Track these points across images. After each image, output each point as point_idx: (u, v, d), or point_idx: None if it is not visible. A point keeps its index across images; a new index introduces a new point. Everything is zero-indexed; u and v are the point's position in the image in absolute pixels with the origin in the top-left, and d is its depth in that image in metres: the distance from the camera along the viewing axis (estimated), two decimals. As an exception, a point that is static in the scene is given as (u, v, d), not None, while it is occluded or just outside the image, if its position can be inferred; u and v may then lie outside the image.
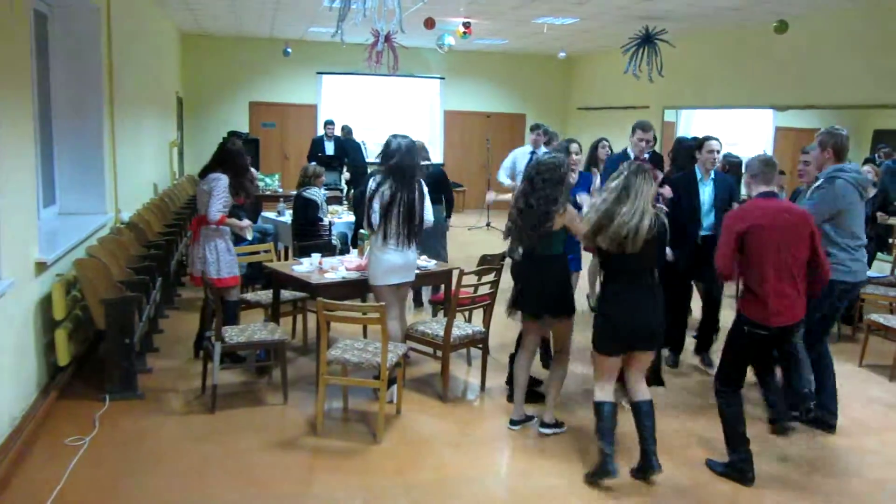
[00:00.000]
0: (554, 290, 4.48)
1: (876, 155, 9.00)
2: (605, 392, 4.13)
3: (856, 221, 4.67)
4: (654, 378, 5.23)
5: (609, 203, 3.97)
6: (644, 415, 4.08)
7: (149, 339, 5.88)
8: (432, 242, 7.32)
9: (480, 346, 5.47)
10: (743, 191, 4.74)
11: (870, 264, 7.25)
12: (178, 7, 10.99)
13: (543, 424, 4.65)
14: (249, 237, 5.97)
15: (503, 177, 8.38)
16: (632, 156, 6.29)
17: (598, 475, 4.01)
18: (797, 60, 9.92)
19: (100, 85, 6.47)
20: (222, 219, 5.39)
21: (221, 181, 5.40)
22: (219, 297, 5.01)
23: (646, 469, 4.04)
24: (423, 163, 7.32)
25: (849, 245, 4.64)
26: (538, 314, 4.55)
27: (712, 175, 5.72)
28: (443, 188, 7.35)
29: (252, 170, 8.23)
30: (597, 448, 4.08)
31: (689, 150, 5.98)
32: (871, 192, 7.08)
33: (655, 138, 11.85)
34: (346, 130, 12.93)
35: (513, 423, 4.77)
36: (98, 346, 5.33)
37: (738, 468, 4.13)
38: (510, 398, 5.17)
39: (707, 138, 5.77)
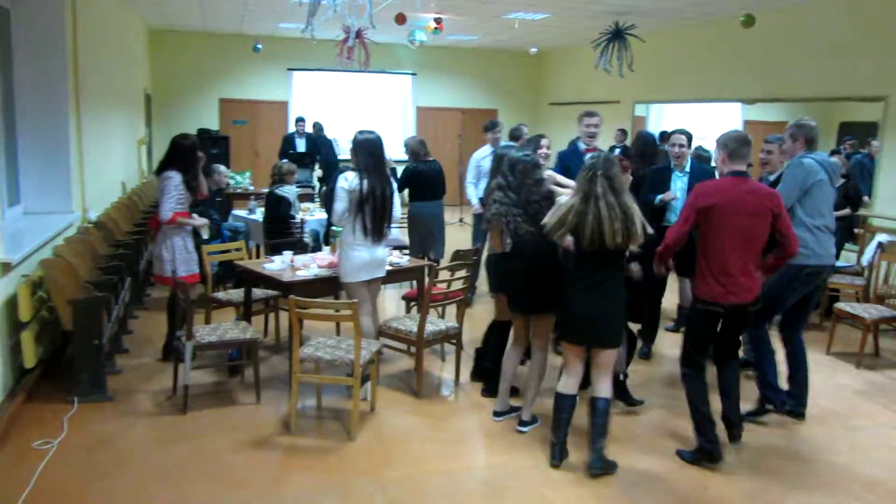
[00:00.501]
0: (543, 285, 4.43)
1: (842, 147, 9.14)
2: (566, 385, 4.19)
3: (823, 201, 4.71)
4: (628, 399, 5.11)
5: (580, 201, 3.98)
6: (598, 412, 4.11)
7: (118, 339, 5.80)
8: (438, 235, 7.49)
9: (454, 341, 5.47)
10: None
11: (838, 255, 7.37)
12: (146, 2, 10.83)
13: (521, 423, 4.64)
14: (206, 235, 5.91)
15: (470, 185, 7.56)
16: (582, 147, 6.24)
17: (552, 459, 4.17)
18: (764, 55, 10.04)
19: (65, 81, 6.35)
20: (174, 217, 5.31)
21: (171, 180, 5.33)
22: (187, 295, 4.94)
23: (591, 462, 4.09)
24: (428, 159, 7.41)
25: (814, 225, 4.68)
26: (525, 309, 4.57)
27: (687, 168, 5.76)
28: (442, 183, 7.55)
29: (221, 167, 8.19)
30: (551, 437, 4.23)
31: (650, 144, 6.03)
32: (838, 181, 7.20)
33: (626, 133, 12.02)
34: (318, 127, 12.85)
35: (497, 414, 4.79)
36: (66, 348, 5.24)
37: (706, 451, 4.20)
38: (484, 393, 5.18)
39: (675, 132, 5.83)
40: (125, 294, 6.04)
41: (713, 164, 5.87)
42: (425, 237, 7.41)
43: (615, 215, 3.90)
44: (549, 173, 4.74)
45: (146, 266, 7.35)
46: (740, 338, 4.48)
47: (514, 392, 5.00)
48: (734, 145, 4.14)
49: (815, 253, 4.69)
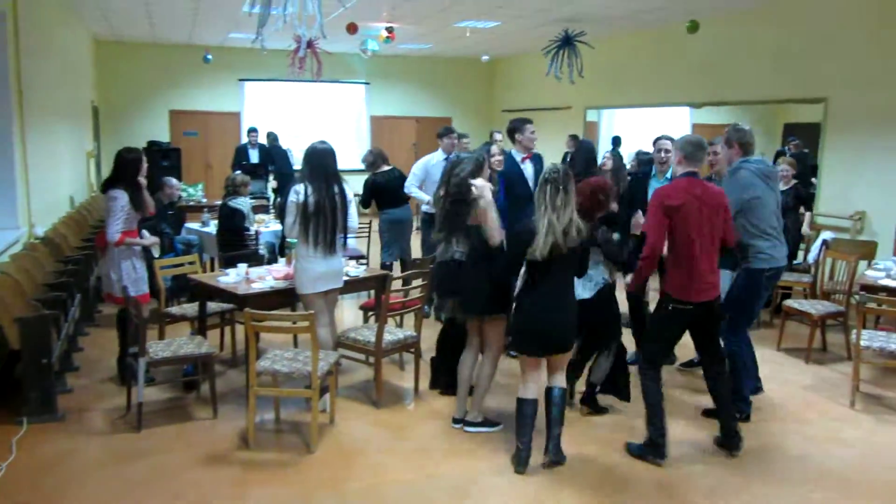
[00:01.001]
0: (488, 288, 4.47)
1: (786, 147, 9.41)
2: (527, 390, 4.24)
3: (767, 210, 4.83)
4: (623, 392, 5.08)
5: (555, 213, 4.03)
6: (553, 401, 4.21)
7: (68, 357, 5.67)
8: (407, 239, 7.57)
9: (413, 350, 5.47)
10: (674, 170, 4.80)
11: (794, 255, 7.59)
12: (92, 14, 10.64)
13: (468, 423, 4.69)
14: (156, 254, 5.83)
15: (412, 187, 7.42)
16: (518, 157, 6.26)
17: (513, 462, 4.22)
18: (709, 59, 10.28)
19: (7, 94, 6.20)
20: (121, 239, 5.20)
21: (117, 200, 5.18)
22: (139, 312, 4.84)
23: (548, 454, 4.18)
24: (384, 168, 7.45)
25: (766, 233, 4.81)
26: (468, 313, 4.60)
27: (668, 175, 5.73)
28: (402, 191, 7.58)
29: (172, 180, 8.06)
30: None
31: (588, 152, 6.07)
32: (790, 183, 7.42)
33: (577, 138, 12.14)
34: (272, 137, 12.74)
35: (455, 421, 4.80)
36: (13, 368, 5.09)
37: (655, 442, 4.30)
38: (444, 391, 5.25)
39: (660, 137, 5.85)
40: (75, 311, 5.90)
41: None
42: (399, 240, 7.54)
43: (568, 226, 4.00)
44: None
45: (96, 282, 7.20)
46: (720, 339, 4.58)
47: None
48: (691, 149, 4.29)
49: (773, 257, 4.83)
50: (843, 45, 8.30)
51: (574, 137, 12.18)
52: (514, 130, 6.29)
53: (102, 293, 5.56)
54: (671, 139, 5.82)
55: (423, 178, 7.36)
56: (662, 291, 4.33)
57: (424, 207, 7.36)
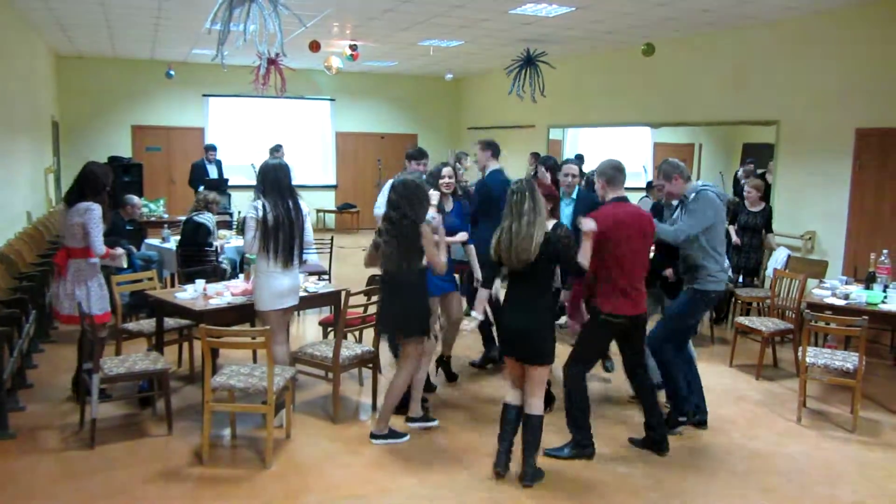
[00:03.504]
0: (401, 310, 4.70)
1: (739, 169, 9.62)
2: (511, 396, 4.38)
3: (720, 233, 5.01)
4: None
5: (508, 227, 4.19)
6: (530, 427, 4.27)
7: (21, 375, 5.60)
8: None
9: (371, 365, 5.50)
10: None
11: (756, 274, 7.83)
12: (51, 29, 10.57)
13: (374, 436, 4.84)
14: (124, 265, 5.79)
15: (378, 209, 6.61)
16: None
17: (495, 466, 4.35)
18: (667, 81, 10.53)
19: (-38, 110, 6.16)
20: (107, 252, 5.21)
21: (94, 212, 5.14)
22: (95, 331, 4.81)
23: (523, 475, 4.27)
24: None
25: (717, 256, 4.96)
26: (387, 332, 4.95)
27: (574, 195, 5.99)
28: None
29: (134, 198, 8.03)
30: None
31: (550, 169, 6.23)
32: (759, 205, 7.65)
33: (539, 156, 12.31)
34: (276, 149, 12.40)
35: (372, 435, 4.90)
36: (-35, 385, 5.03)
37: (581, 444, 4.53)
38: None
39: (566, 161, 6.10)
40: (29, 328, 5.84)
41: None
42: None
43: (527, 234, 4.10)
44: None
45: (52, 298, 7.13)
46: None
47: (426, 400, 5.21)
48: (613, 173, 4.57)
49: (719, 278, 4.98)
50: (795, 71, 8.57)
51: (535, 155, 12.33)
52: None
53: (56, 314, 5.39)
54: (576, 163, 6.26)
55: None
56: (595, 304, 4.57)
57: None
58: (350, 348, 5.40)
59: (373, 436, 4.81)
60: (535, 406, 4.30)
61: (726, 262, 5.16)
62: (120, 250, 5.64)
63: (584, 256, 4.25)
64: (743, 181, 8.45)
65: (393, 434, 4.81)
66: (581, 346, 4.70)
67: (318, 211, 15.80)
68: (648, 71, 10.69)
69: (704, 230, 4.87)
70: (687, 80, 10.20)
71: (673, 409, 5.13)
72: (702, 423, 5.17)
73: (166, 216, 10.83)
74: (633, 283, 4.45)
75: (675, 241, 4.88)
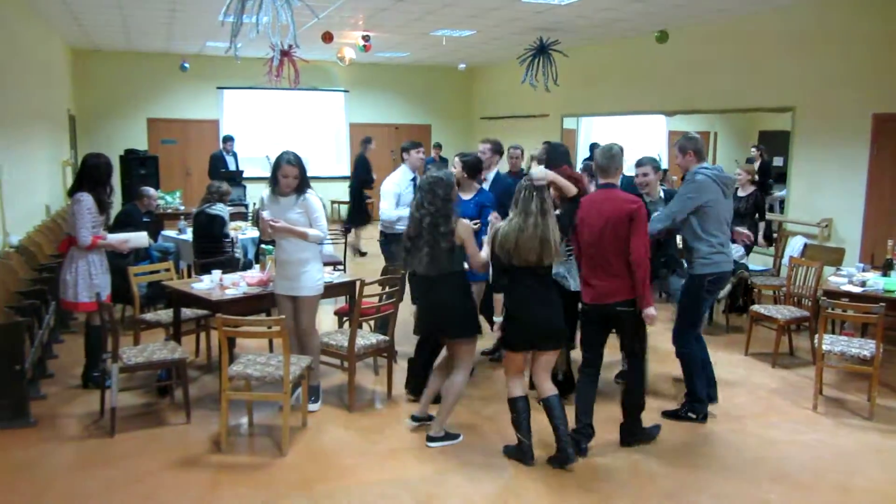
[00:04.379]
0: (448, 310, 4.55)
1: (752, 155, 9.57)
2: (516, 388, 4.40)
3: (718, 216, 4.96)
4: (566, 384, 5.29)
5: (515, 224, 4.20)
6: (553, 408, 4.31)
7: (42, 364, 5.68)
8: None
9: (386, 354, 5.54)
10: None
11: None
12: (67, 23, 10.64)
13: (430, 438, 4.67)
14: (144, 244, 5.82)
15: (392, 211, 6.32)
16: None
17: (516, 456, 4.39)
18: (681, 68, 10.45)
19: (-19, 104, 6.23)
20: (94, 241, 5.23)
21: (82, 202, 5.19)
22: (111, 316, 4.86)
23: (561, 459, 4.30)
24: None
25: (709, 238, 4.92)
26: (435, 333, 4.73)
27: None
28: None
29: (150, 190, 8.10)
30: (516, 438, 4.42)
31: (564, 155, 6.18)
32: (749, 189, 7.56)
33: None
34: (366, 140, 12.26)
35: (414, 418, 4.90)
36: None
37: (575, 439, 4.46)
38: (410, 394, 5.39)
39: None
40: (49, 318, 5.92)
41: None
42: None
43: (535, 234, 4.14)
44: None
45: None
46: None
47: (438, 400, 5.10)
48: (602, 160, 4.54)
49: (714, 261, 4.93)
50: (810, 56, 8.49)
51: (547, 143, 12.24)
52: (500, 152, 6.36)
53: (62, 302, 5.45)
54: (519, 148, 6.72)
55: (397, 199, 6.40)
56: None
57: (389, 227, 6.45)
58: (365, 337, 5.43)
59: (430, 438, 4.67)
60: (548, 388, 4.36)
61: (728, 246, 5.09)
62: (121, 236, 5.61)
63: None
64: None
65: (449, 436, 4.74)
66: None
67: (333, 202, 15.84)
68: (662, 59, 10.62)
69: (695, 211, 4.87)
70: (701, 67, 10.12)
71: (687, 404, 5.12)
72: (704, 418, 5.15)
73: (182, 208, 10.91)
74: (592, 271, 4.44)
75: (661, 227, 4.96)
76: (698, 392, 5.06)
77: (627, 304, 4.39)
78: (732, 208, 5.17)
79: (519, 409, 4.37)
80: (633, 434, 4.66)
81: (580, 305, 4.64)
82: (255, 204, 12.22)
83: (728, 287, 7.04)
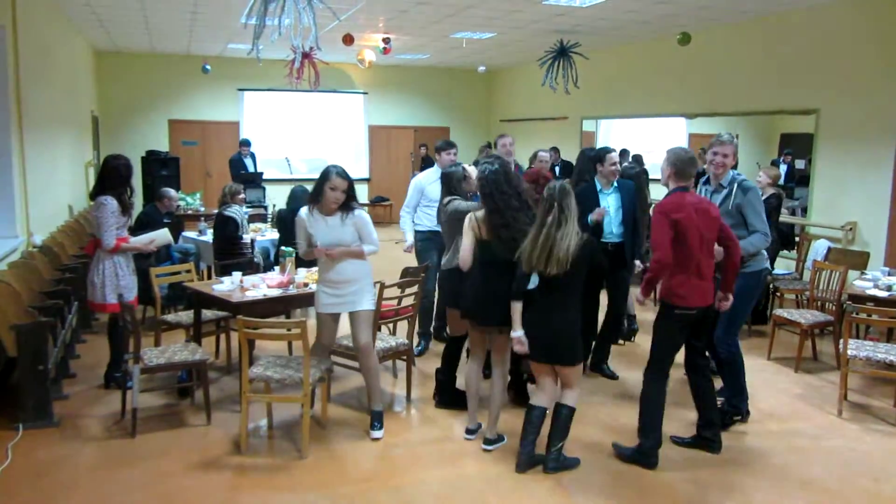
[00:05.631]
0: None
1: (781, 158, 9.49)
2: (537, 397, 4.38)
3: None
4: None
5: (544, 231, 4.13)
6: (558, 416, 4.29)
7: (65, 365, 5.73)
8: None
9: (405, 357, 5.53)
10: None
11: (773, 262, 7.67)
12: (91, 25, 10.76)
13: (486, 441, 4.63)
14: (169, 240, 5.85)
15: (406, 217, 6.73)
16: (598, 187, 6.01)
17: (517, 467, 4.32)
18: (702, 71, 10.37)
19: (7, 104, 6.30)
20: (118, 245, 5.27)
21: (106, 206, 5.21)
22: (133, 318, 4.89)
23: (546, 462, 4.28)
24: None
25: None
26: (487, 323, 4.58)
27: (614, 184, 5.87)
28: None
29: (171, 191, 8.14)
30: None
31: (592, 160, 6.11)
32: (768, 192, 7.47)
33: (558, 151, 12.24)
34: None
35: (469, 432, 4.80)
36: (10, 374, 5.16)
37: (646, 452, 4.38)
38: (438, 404, 5.31)
39: (607, 150, 5.94)
40: (72, 319, 5.97)
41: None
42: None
43: (559, 242, 4.06)
44: None
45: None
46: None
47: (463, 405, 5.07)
48: (684, 165, 4.36)
49: (766, 257, 5.05)
50: (834, 57, 8.38)
51: (555, 150, 12.16)
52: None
53: (90, 303, 5.49)
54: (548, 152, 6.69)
55: (418, 199, 6.64)
56: (663, 298, 4.39)
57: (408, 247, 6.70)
58: (385, 340, 5.43)
59: (487, 441, 4.62)
60: (569, 398, 4.31)
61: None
62: (146, 237, 5.62)
63: (658, 249, 4.25)
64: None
65: (500, 438, 4.70)
66: (654, 344, 4.55)
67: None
68: (683, 61, 10.54)
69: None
70: (722, 69, 10.03)
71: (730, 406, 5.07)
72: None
73: (203, 209, 10.98)
74: (687, 276, 4.32)
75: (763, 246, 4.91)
76: (745, 389, 5.05)
77: (712, 306, 4.43)
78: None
79: (529, 418, 4.33)
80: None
81: (681, 311, 4.35)
82: (274, 206, 12.29)
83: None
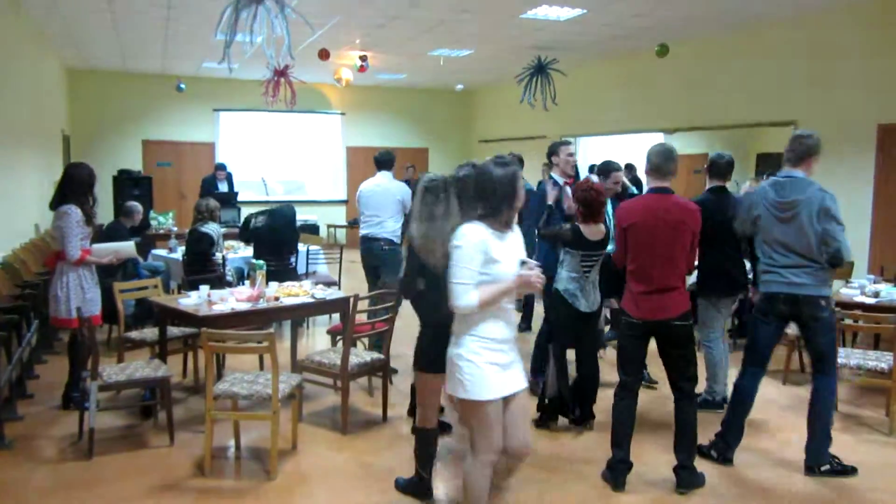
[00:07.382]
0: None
1: (764, 176, 9.42)
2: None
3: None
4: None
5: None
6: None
7: (21, 384, 5.44)
8: None
9: (381, 373, 5.30)
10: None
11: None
12: (62, 43, 10.56)
13: None
14: (114, 262, 5.60)
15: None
16: (561, 181, 5.66)
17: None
18: (681, 85, 10.36)
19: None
20: (83, 256, 5.03)
21: (70, 215, 4.97)
22: (91, 333, 4.64)
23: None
24: None
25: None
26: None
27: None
28: None
29: (136, 205, 7.91)
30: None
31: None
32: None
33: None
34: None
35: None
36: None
37: (614, 466, 4.14)
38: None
39: (610, 166, 5.76)
40: (31, 336, 5.69)
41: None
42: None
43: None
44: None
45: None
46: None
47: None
48: (658, 160, 4.08)
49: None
50: (812, 69, 8.37)
51: (629, 168, 11.92)
52: (556, 152, 5.77)
53: (50, 318, 5.25)
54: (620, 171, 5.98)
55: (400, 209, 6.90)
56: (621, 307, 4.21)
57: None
58: (359, 356, 5.20)
59: None
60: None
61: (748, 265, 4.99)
62: (118, 245, 5.42)
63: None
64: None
65: None
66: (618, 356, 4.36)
67: (329, 226, 15.64)
68: (661, 75, 10.52)
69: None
70: (701, 83, 10.02)
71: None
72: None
73: (175, 229, 10.72)
74: (644, 283, 4.05)
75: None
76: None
77: (684, 318, 3.98)
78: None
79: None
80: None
81: (623, 321, 4.11)
82: (249, 215, 12.04)
83: (735, 303, 6.82)
